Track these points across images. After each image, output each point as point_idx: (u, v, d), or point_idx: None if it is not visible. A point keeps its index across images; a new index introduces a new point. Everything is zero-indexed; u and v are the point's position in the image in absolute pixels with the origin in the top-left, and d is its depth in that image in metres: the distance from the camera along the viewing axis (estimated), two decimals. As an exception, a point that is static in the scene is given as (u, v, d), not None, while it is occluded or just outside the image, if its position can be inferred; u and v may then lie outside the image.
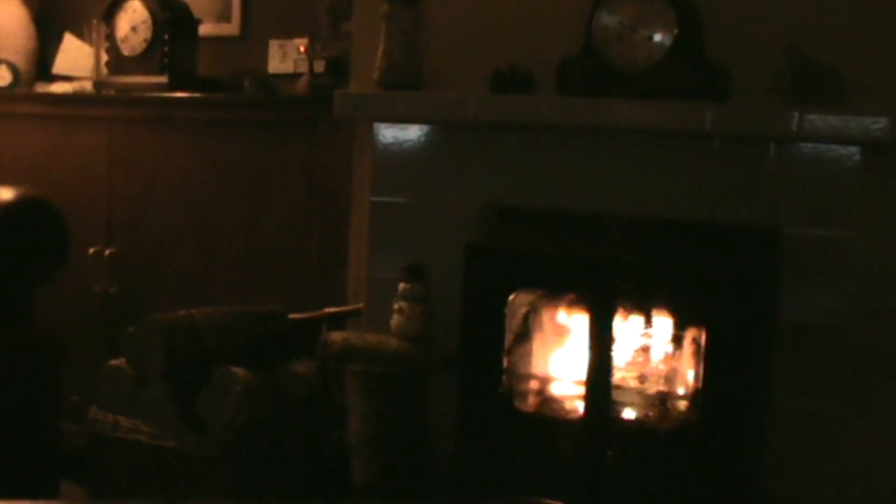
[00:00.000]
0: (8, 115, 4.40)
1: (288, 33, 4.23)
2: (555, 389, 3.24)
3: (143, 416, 3.22)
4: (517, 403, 3.21)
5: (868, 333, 2.94)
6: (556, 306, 3.25)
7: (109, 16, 4.22)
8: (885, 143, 2.80)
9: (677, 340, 3.09)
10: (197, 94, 4.07)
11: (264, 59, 4.29)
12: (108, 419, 3.27)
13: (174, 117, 4.09)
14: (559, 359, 3.26)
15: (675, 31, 2.99)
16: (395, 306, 3.28)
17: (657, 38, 3.02)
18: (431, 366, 3.28)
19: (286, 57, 4.23)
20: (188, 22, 4.20)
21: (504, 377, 3.19)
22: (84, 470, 3.44)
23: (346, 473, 3.20)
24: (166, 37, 4.11)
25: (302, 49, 4.10)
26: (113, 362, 3.35)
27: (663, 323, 3.12)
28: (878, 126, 2.76)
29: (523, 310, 3.21)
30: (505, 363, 3.19)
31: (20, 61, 4.57)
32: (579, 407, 3.12)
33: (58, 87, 4.47)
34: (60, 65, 4.61)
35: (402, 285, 3.28)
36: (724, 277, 2.92)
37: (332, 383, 3.28)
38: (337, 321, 3.56)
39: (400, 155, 3.43)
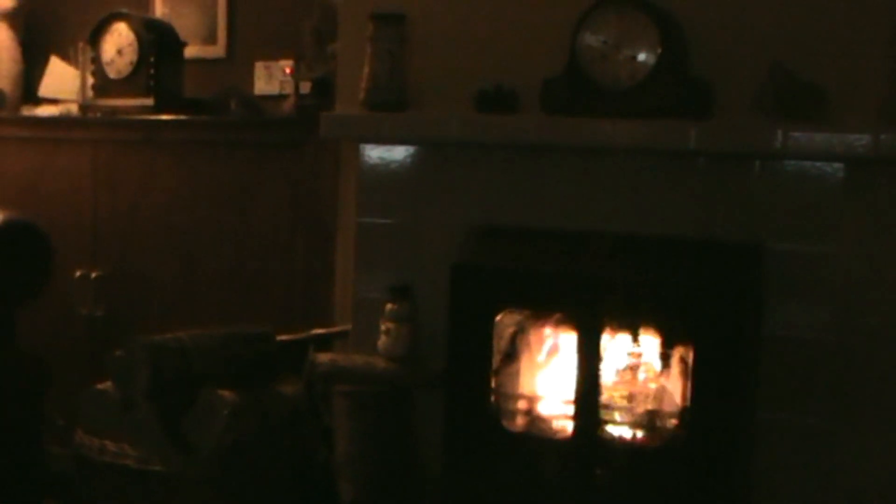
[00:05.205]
0: (-6, 138, 4.41)
1: (273, 55, 4.24)
2: (543, 409, 3.23)
3: (130, 439, 3.21)
4: (505, 423, 3.19)
5: (852, 348, 2.94)
6: (543, 325, 3.24)
7: (95, 38, 4.22)
8: (869, 160, 2.81)
9: (665, 358, 3.09)
10: (183, 116, 4.07)
11: (250, 81, 4.31)
12: (94, 443, 3.26)
13: (160, 139, 4.09)
14: (547, 378, 3.25)
15: (659, 50, 3.00)
16: (382, 326, 3.27)
17: (641, 56, 3.03)
18: (419, 386, 3.27)
19: (272, 78, 4.24)
20: (174, 44, 4.21)
21: (492, 397, 3.18)
22: (71, 493, 3.43)
23: (334, 494, 3.19)
24: (152, 59, 4.11)
25: (287, 70, 4.12)
26: (99, 385, 3.34)
27: (650, 341, 3.12)
28: (862, 143, 2.77)
29: (511, 329, 3.21)
30: (493, 383, 3.18)
31: (6, 84, 4.58)
32: (567, 426, 3.12)
33: (44, 110, 4.47)
34: (46, 87, 4.61)
35: (388, 305, 3.27)
36: (709, 294, 2.92)
37: (318, 404, 3.27)
38: (324, 342, 3.55)
39: (386, 175, 3.43)
